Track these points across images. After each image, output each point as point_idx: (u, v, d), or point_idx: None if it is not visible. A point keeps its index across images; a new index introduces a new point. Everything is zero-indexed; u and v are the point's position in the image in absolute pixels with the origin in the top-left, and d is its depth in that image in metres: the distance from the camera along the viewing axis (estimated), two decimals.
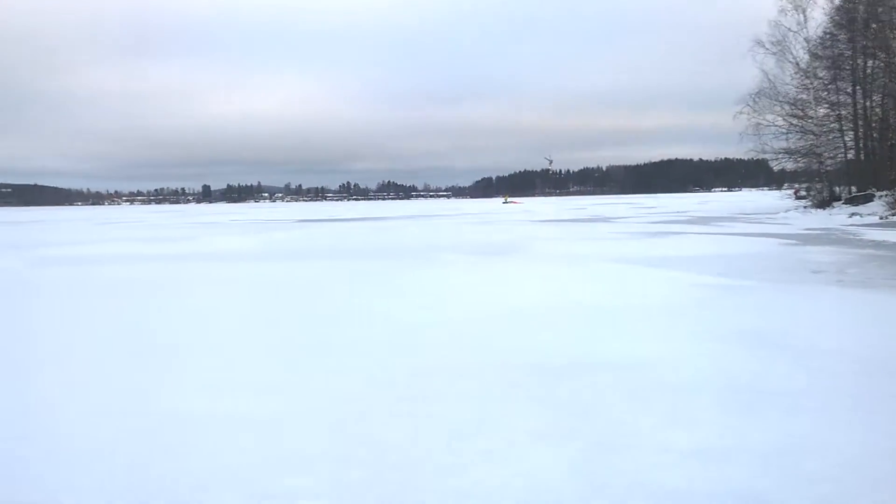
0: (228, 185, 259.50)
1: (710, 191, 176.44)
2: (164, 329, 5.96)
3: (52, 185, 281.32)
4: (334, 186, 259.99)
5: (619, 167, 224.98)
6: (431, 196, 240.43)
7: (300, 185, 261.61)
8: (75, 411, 3.69)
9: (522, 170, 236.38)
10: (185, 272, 10.64)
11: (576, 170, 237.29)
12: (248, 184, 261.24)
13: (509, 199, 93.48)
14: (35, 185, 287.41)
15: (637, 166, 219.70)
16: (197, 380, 4.25)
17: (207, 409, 3.66)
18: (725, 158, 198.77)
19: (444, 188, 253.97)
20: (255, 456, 3.01)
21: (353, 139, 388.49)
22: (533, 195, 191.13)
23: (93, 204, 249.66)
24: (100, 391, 4.06)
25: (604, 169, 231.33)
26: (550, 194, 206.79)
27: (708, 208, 41.66)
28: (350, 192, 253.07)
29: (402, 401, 3.75)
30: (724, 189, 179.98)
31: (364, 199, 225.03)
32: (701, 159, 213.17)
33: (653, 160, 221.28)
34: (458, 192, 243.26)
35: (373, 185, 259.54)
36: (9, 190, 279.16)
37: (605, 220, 28.68)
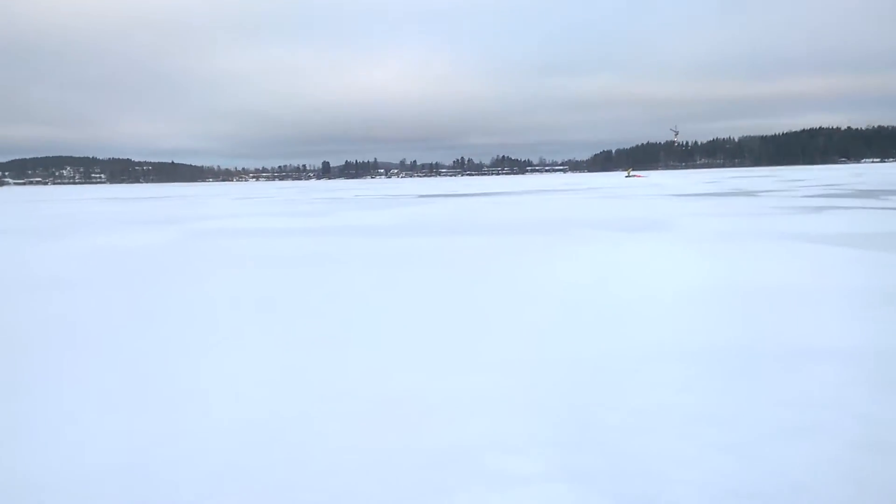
0: (346, 161, 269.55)
1: (858, 162, 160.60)
2: (361, 305, 6.14)
3: (187, 163, 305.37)
4: (448, 162, 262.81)
5: (753, 137, 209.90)
6: (547, 170, 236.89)
7: (415, 161, 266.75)
8: (292, 395, 3.84)
9: (645, 142, 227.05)
10: (345, 247, 11.00)
11: (704, 141, 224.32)
12: (365, 160, 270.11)
13: (632, 173, 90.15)
14: (172, 163, 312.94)
15: (774, 136, 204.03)
16: (405, 358, 4.31)
17: (420, 387, 3.68)
18: (878, 126, 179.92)
19: (559, 162, 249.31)
20: (482, 437, 2.98)
21: (467, 114, 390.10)
22: (656, 168, 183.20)
23: (223, 180, 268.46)
24: (314, 371, 4.21)
25: (736, 140, 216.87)
26: (675, 167, 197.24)
27: (866, 181, 37.85)
28: (463, 167, 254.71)
29: (614, 386, 3.59)
30: (875, 160, 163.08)
31: (478, 175, 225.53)
32: (849, 128, 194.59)
33: (792, 129, 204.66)
34: (575, 166, 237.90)
35: (486, 160, 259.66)
36: (150, 167, 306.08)
37: (749, 194, 26.81)
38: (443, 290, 6.54)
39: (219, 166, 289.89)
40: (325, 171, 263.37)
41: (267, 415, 3.26)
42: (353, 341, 4.63)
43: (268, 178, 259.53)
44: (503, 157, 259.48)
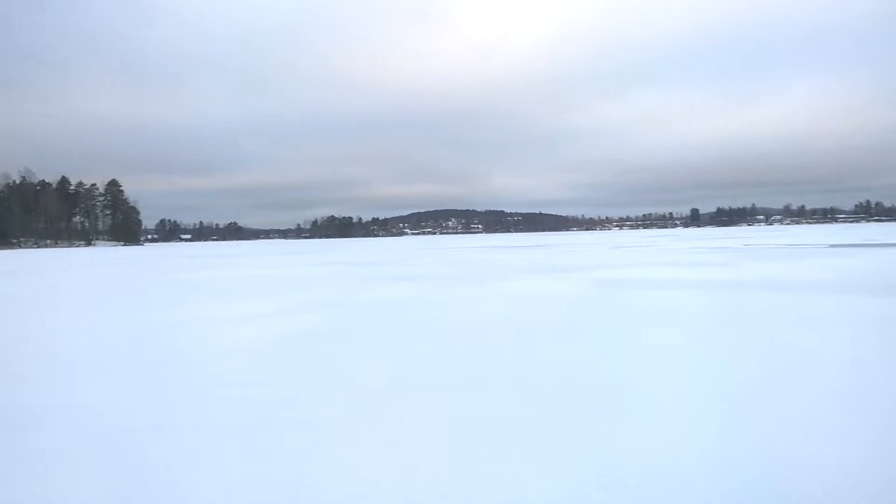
0: (718, 208, 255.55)
1: None
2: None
3: (552, 213, 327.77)
4: (847, 206, 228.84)
5: None
6: None
7: (802, 206, 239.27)
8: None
9: None
10: (801, 304, 9.71)
11: None
12: (740, 206, 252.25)
13: None
14: (539, 213, 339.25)
15: None
16: None
17: None
18: None
19: None
20: None
21: (876, 149, 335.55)
22: None
23: (586, 229, 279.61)
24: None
25: None
26: None
27: None
28: (870, 212, 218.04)
29: None
30: None
31: (889, 220, 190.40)
32: None
33: None
34: None
35: None
36: (520, 218, 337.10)
37: None
38: None
39: (583, 215, 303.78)
40: (694, 219, 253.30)
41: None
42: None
43: (631, 227, 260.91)
44: None
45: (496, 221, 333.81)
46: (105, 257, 51.24)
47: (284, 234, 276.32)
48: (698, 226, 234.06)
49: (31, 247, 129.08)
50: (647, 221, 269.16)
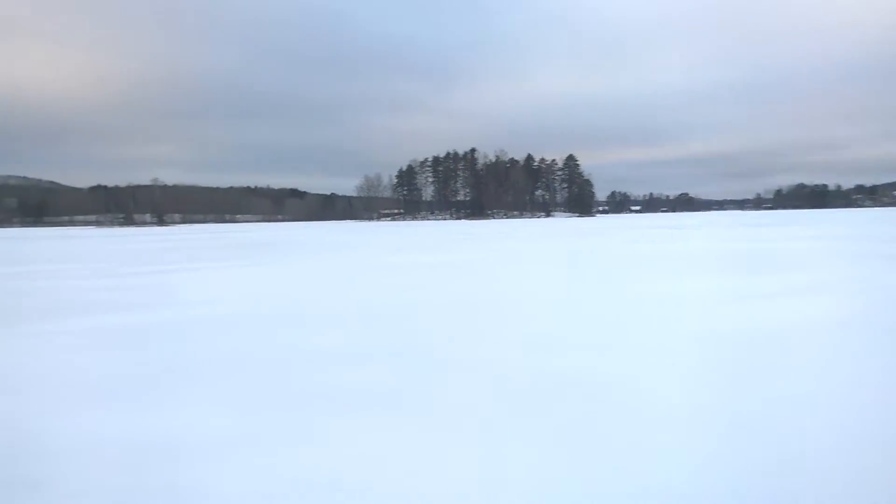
0: None
1: None
2: None
3: None
4: None
5: None
6: None
7: None
8: None
9: None
10: None
11: None
12: None
13: None
14: None
15: None
16: None
17: None
18: None
19: None
20: None
21: None
22: None
23: None
24: None
25: None
26: None
27: None
28: None
29: None
30: None
31: None
32: None
33: None
34: None
35: None
36: None
37: None
38: None
39: None
40: None
41: None
42: None
43: None
44: None
45: None
46: (581, 226, 55.31)
47: (741, 204, 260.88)
48: None
49: (501, 217, 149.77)
50: None
